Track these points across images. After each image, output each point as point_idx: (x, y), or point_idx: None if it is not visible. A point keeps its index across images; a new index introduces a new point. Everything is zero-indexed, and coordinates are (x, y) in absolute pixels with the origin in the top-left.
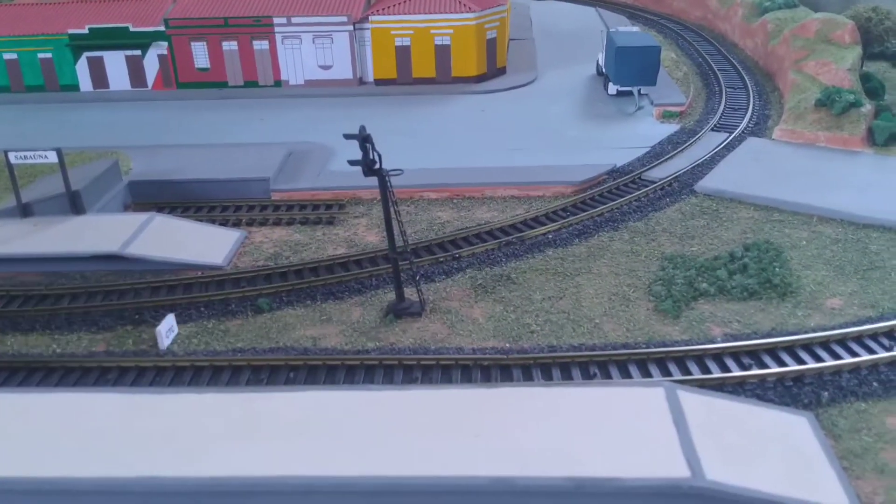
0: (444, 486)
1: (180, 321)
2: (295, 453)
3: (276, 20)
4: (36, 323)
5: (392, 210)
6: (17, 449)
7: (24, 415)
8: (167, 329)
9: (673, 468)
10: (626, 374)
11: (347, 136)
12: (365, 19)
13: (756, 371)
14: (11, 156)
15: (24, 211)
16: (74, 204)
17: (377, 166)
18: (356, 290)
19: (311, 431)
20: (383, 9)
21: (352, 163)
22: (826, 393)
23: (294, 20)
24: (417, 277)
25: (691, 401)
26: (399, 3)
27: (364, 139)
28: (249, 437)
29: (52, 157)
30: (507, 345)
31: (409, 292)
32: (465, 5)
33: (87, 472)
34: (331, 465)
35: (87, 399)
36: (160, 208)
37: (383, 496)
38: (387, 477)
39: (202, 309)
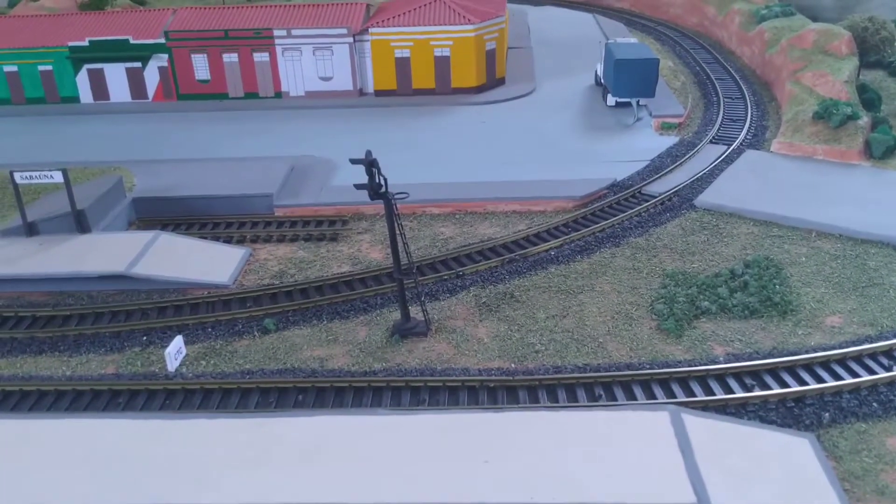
0: None
1: (188, 341)
2: (305, 480)
3: (276, 32)
4: (45, 345)
5: (398, 232)
6: (30, 477)
7: (36, 442)
8: (175, 351)
9: (679, 494)
10: (631, 395)
11: (354, 161)
12: (365, 31)
13: (758, 392)
14: (17, 176)
15: (30, 230)
16: (80, 223)
17: (383, 190)
18: (361, 308)
19: (321, 458)
20: (383, 21)
21: (358, 186)
22: (827, 414)
23: (294, 32)
24: (423, 298)
25: (695, 424)
26: (399, 15)
27: (370, 164)
28: (260, 464)
29: (58, 178)
30: (513, 365)
31: (414, 311)
32: (464, 17)
33: (100, 500)
34: (341, 492)
35: (98, 425)
36: (164, 225)
37: None
38: None
39: (209, 329)
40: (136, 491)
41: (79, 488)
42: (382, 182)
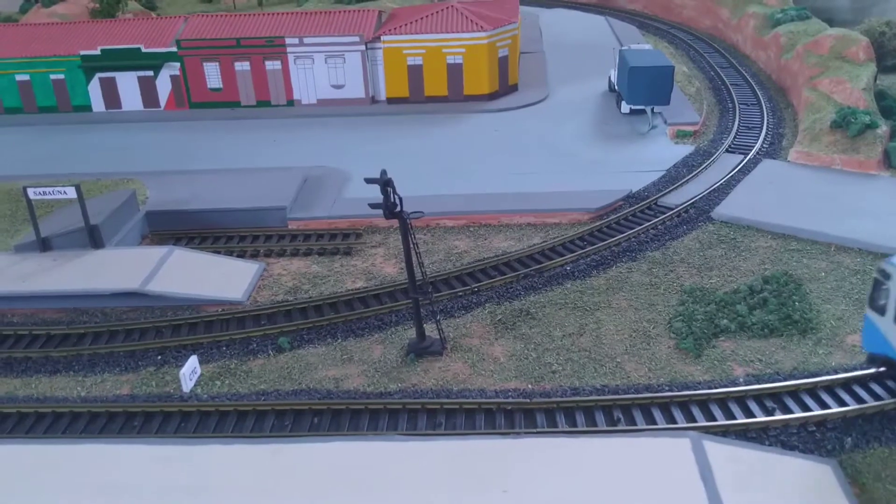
0: None
1: (202, 360)
2: None
3: (288, 40)
4: (59, 364)
5: (412, 251)
6: (47, 503)
7: (53, 467)
8: (190, 371)
9: None
10: (650, 419)
11: (369, 181)
12: (377, 39)
13: (780, 416)
14: (31, 192)
15: (44, 245)
16: (93, 238)
17: (398, 209)
18: (376, 326)
19: (337, 486)
20: (395, 28)
21: (373, 206)
22: (850, 438)
23: (306, 40)
24: (438, 317)
25: (717, 451)
26: (411, 23)
27: (385, 183)
28: (278, 492)
29: (72, 193)
30: (530, 385)
31: (429, 328)
32: (476, 24)
33: None
34: None
35: (115, 451)
36: (177, 238)
37: None
38: None
39: (224, 348)
40: None
41: None
42: (397, 201)
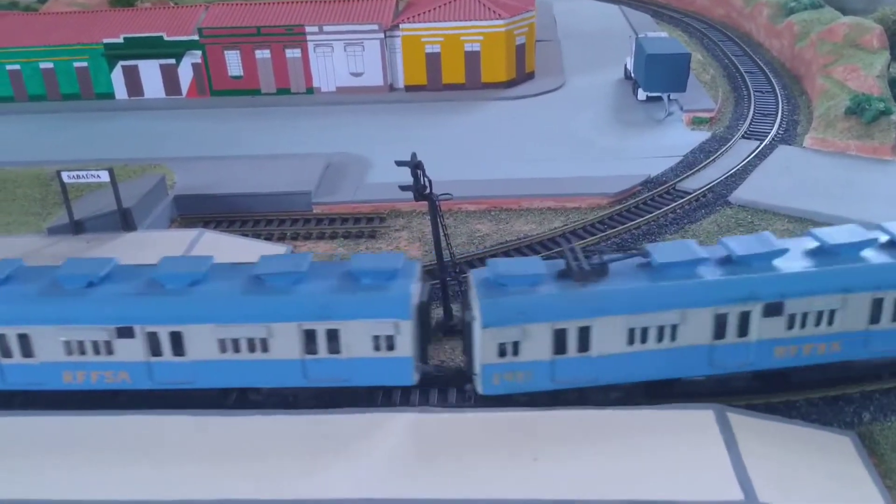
0: None
1: None
2: (360, 475)
3: (308, 28)
4: None
5: (441, 232)
6: (96, 472)
7: (100, 438)
8: None
9: (726, 491)
10: None
11: (399, 164)
12: (395, 27)
13: (800, 391)
14: (65, 175)
15: (77, 228)
16: (125, 221)
17: (428, 192)
18: None
19: (374, 454)
20: (413, 16)
21: (403, 188)
22: (867, 412)
23: (326, 28)
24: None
25: (740, 423)
26: (429, 11)
27: (415, 166)
28: (318, 459)
29: (105, 177)
30: None
31: (456, 309)
32: (494, 12)
33: (165, 495)
34: (394, 488)
35: (158, 422)
36: (205, 222)
37: None
38: (454, 500)
39: None
40: (200, 485)
41: (143, 483)
42: (427, 183)
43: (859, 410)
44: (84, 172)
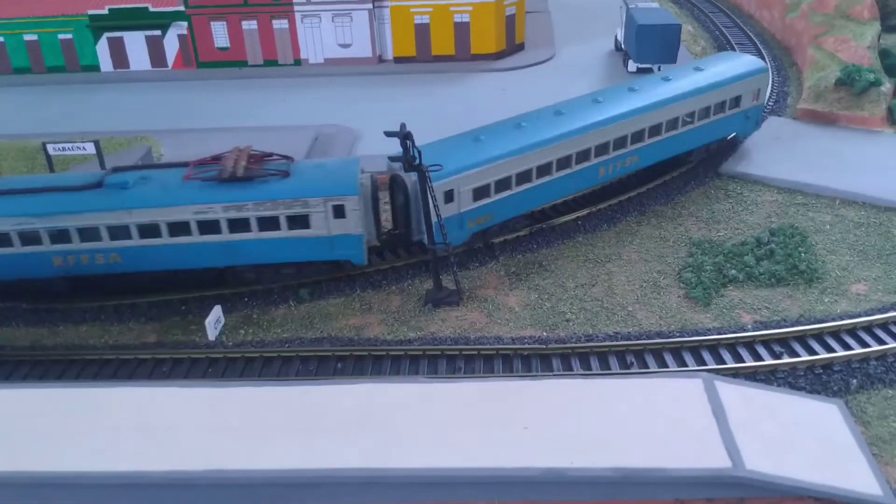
0: (498, 478)
1: (225, 311)
2: (353, 446)
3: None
4: (86, 314)
5: (431, 203)
6: (86, 444)
7: (90, 410)
8: (214, 320)
9: (714, 458)
10: (662, 363)
11: (389, 134)
12: None
13: (787, 360)
14: (50, 147)
15: None
16: None
17: (417, 162)
18: (393, 279)
19: (366, 424)
20: None
21: (392, 159)
22: (854, 380)
23: None
24: (455, 268)
25: (728, 391)
26: None
27: (405, 137)
28: (308, 431)
29: (91, 149)
30: (544, 333)
31: (445, 281)
32: None
33: (154, 465)
34: (388, 458)
35: (150, 393)
36: None
37: (443, 487)
38: (446, 469)
39: (246, 299)
40: (191, 457)
41: (134, 454)
42: (417, 155)
43: (847, 378)
44: (69, 144)
